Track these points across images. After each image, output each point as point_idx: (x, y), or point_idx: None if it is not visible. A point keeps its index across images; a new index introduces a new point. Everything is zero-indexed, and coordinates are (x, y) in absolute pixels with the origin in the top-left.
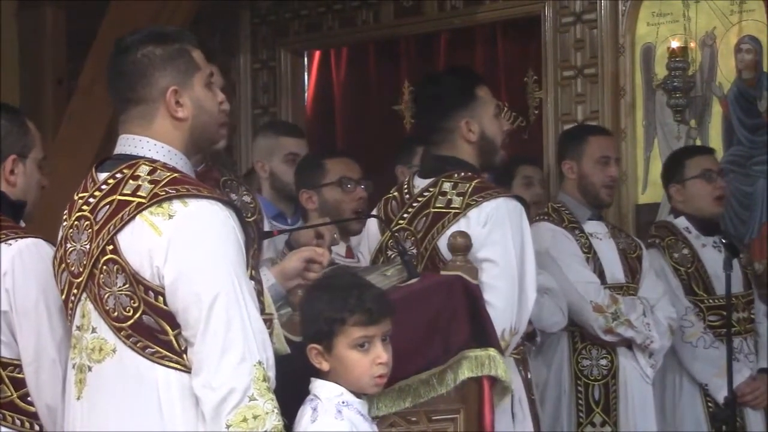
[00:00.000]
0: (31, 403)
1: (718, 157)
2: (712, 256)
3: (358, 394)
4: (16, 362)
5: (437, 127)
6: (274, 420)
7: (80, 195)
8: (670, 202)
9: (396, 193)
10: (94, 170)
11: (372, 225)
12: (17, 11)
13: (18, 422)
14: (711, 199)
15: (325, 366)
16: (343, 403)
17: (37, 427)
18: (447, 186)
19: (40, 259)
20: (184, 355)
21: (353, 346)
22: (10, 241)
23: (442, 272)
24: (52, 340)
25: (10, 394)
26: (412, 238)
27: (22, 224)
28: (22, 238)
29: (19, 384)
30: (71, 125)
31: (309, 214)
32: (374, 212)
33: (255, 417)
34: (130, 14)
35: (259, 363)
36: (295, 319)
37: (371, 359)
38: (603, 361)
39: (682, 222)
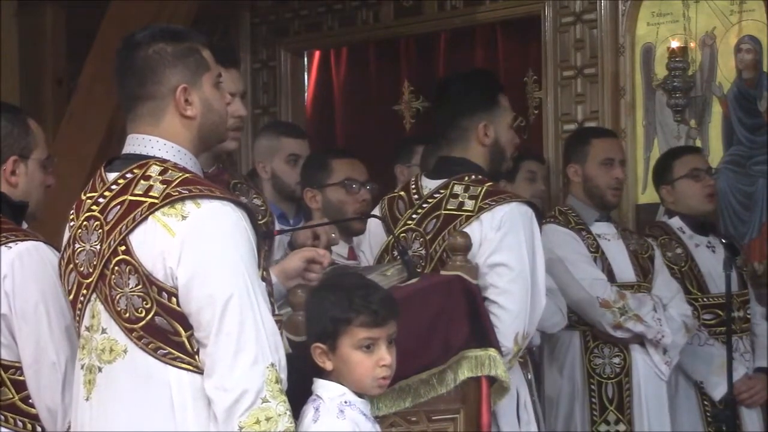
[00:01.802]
0: (32, 405)
1: (716, 156)
2: (705, 255)
3: (361, 394)
4: (17, 365)
5: (455, 123)
6: (287, 422)
7: (88, 195)
8: (663, 204)
9: (403, 193)
10: (102, 170)
11: (374, 224)
12: (17, 11)
13: (20, 424)
14: (701, 197)
15: (328, 365)
16: (345, 402)
17: (38, 429)
18: (458, 188)
19: (40, 262)
20: (197, 357)
21: (358, 346)
22: (10, 244)
23: (442, 272)
24: (52, 343)
25: (11, 396)
26: (421, 239)
27: (24, 225)
28: (22, 240)
29: (20, 386)
30: (71, 125)
31: (312, 213)
32: (376, 211)
33: (268, 419)
34: (130, 14)
35: (272, 365)
36: (295, 319)
37: (375, 361)
38: (616, 359)
39: (676, 222)
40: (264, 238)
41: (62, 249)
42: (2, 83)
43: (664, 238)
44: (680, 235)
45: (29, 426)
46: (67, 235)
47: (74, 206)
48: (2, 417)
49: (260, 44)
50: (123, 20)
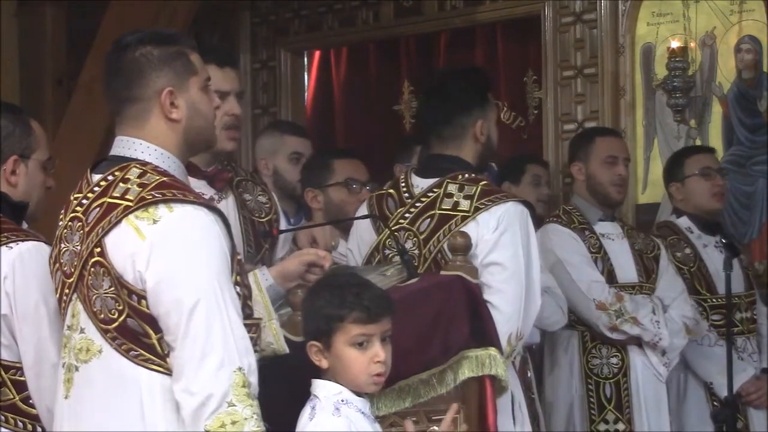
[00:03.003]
0: (32, 406)
1: (718, 156)
2: (713, 255)
3: (359, 393)
4: (17, 365)
5: (452, 120)
6: (253, 426)
7: (75, 196)
8: (672, 201)
9: (392, 191)
10: (89, 171)
11: (361, 222)
12: (17, 11)
13: (20, 424)
14: (709, 195)
15: (324, 363)
16: (342, 401)
17: (39, 429)
18: (453, 188)
19: (41, 263)
20: (167, 359)
21: (351, 343)
22: (11, 245)
23: (442, 272)
24: (52, 344)
25: (11, 396)
26: (414, 239)
27: (25, 225)
28: (23, 240)
29: (21, 387)
30: (71, 125)
31: (314, 213)
32: (364, 208)
33: (233, 422)
34: (129, 14)
35: (239, 369)
36: (295, 319)
37: (369, 357)
38: (613, 360)
39: (684, 222)
40: (263, 237)
41: (51, 248)
42: (2, 83)
43: (673, 239)
44: (688, 235)
45: (29, 426)
46: (56, 234)
47: (64, 207)
48: (2, 417)
49: (260, 44)
50: (123, 20)
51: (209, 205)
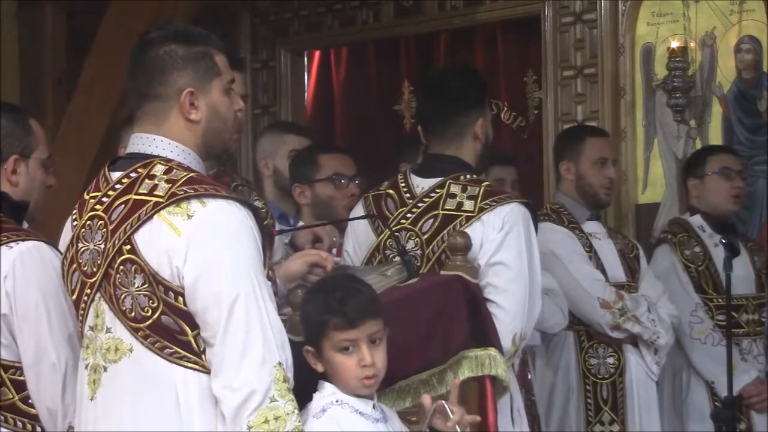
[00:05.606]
0: (32, 406)
1: None
2: (723, 255)
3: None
4: (17, 365)
5: (454, 120)
6: (295, 421)
7: (92, 194)
8: (687, 197)
9: (392, 191)
10: (106, 169)
11: (358, 222)
12: (17, 11)
13: (20, 424)
14: (727, 196)
15: (319, 368)
16: (336, 401)
17: (38, 429)
18: (455, 188)
19: (41, 262)
20: (203, 356)
21: (337, 349)
22: (11, 244)
23: (442, 272)
24: (52, 344)
25: (11, 396)
26: (416, 239)
27: (25, 225)
28: (23, 240)
29: (21, 386)
30: (71, 125)
31: (302, 209)
32: (360, 208)
33: (276, 418)
34: (129, 14)
35: (279, 364)
36: (295, 319)
37: (356, 362)
38: (610, 360)
39: (697, 220)
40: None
41: (65, 249)
42: (2, 83)
43: (683, 236)
44: (700, 233)
45: (29, 426)
46: (69, 234)
47: (77, 206)
48: (2, 417)
49: (260, 44)
50: (123, 20)
51: (241, 200)
